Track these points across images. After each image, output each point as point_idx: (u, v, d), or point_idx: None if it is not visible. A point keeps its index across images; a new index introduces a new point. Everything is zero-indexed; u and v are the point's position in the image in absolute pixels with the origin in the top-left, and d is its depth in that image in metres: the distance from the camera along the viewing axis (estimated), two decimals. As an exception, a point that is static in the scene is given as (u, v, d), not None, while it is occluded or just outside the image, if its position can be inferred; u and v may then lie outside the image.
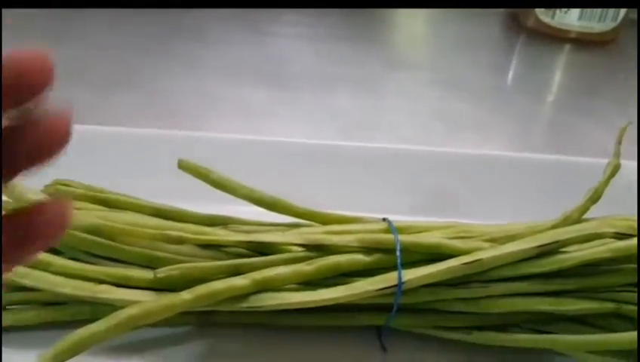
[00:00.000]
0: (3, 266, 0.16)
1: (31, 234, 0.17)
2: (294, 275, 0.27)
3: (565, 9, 0.65)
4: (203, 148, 0.32)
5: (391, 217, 0.30)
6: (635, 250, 0.27)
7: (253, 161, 0.36)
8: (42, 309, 0.28)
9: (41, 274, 0.27)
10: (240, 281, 0.26)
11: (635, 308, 0.27)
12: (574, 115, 0.53)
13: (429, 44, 0.66)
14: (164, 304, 0.26)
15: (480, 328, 0.28)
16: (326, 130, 0.46)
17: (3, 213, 0.17)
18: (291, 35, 0.64)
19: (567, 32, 0.67)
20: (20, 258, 0.17)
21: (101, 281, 0.27)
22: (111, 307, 0.26)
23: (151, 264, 0.28)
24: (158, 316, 0.26)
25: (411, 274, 0.27)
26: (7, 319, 0.28)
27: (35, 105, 0.16)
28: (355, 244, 0.28)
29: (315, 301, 0.27)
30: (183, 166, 0.31)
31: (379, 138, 0.44)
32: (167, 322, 0.26)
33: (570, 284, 0.27)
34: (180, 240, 0.28)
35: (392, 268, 0.28)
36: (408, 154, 0.39)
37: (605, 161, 0.30)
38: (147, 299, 0.26)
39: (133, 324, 0.26)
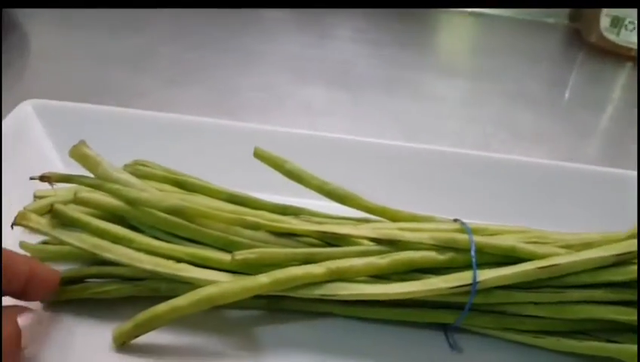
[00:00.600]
0: None
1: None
2: (368, 268, 0.28)
3: (632, 27, 0.64)
4: (270, 142, 0.32)
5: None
6: None
7: (319, 156, 0.36)
8: (122, 284, 0.28)
9: (124, 249, 0.28)
10: (316, 269, 0.27)
11: None
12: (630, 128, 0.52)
13: (492, 55, 0.66)
14: (243, 285, 0.26)
15: (550, 333, 0.28)
16: (388, 133, 0.47)
17: None
18: (356, 39, 0.64)
19: (630, 49, 0.66)
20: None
21: (180, 260, 0.28)
22: (188, 285, 0.27)
23: (226, 247, 0.29)
24: (236, 297, 0.26)
25: (486, 275, 0.27)
26: (86, 292, 0.29)
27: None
28: (429, 242, 0.28)
29: (389, 294, 0.27)
30: (259, 154, 0.32)
31: (442, 143, 0.44)
32: (237, 304, 0.27)
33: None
34: (257, 226, 0.29)
35: (465, 267, 0.28)
36: (474, 160, 0.39)
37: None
38: (225, 280, 0.27)
39: (211, 303, 0.26)
